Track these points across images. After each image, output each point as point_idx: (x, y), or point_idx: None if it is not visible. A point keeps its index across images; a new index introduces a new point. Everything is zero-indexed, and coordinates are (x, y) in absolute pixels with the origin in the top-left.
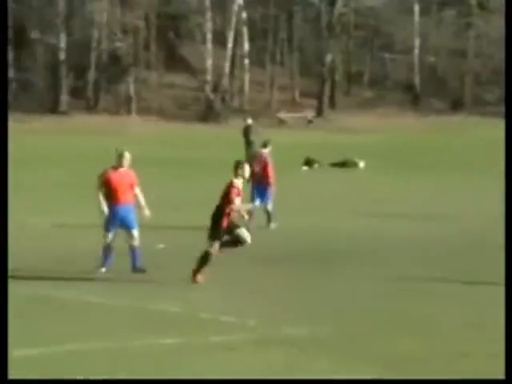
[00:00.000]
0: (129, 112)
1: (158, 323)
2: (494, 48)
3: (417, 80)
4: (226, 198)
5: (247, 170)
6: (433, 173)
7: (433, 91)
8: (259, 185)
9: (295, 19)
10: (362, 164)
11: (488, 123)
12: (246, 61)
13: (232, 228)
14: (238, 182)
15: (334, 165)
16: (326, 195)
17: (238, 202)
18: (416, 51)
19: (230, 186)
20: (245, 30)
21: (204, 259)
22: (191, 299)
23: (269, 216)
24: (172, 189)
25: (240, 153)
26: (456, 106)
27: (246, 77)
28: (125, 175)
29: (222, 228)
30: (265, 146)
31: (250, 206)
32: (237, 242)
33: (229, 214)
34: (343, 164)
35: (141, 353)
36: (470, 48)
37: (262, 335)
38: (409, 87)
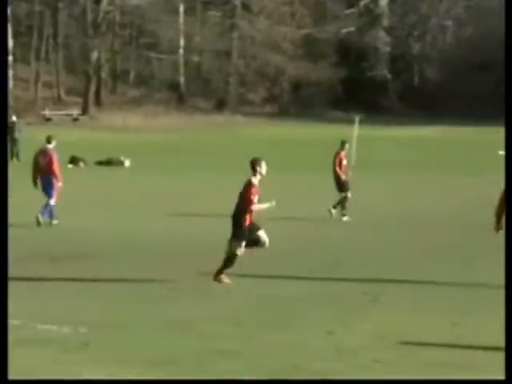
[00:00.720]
0: None
1: None
2: (257, 49)
3: (182, 79)
4: (245, 198)
5: (264, 166)
6: (198, 171)
7: (198, 91)
8: (45, 180)
9: (61, 16)
10: (127, 162)
11: (252, 123)
12: (10, 57)
13: (253, 229)
14: (256, 180)
15: (100, 163)
16: (95, 194)
17: (255, 200)
18: (181, 51)
19: (249, 185)
20: (9, 27)
21: (230, 260)
22: None
23: (51, 211)
24: None
25: None
26: (220, 105)
27: (10, 73)
28: None
29: (245, 227)
30: (49, 141)
31: (266, 204)
32: (256, 242)
33: (250, 213)
34: (108, 162)
35: None
36: (234, 49)
37: (25, 334)
38: (174, 86)
